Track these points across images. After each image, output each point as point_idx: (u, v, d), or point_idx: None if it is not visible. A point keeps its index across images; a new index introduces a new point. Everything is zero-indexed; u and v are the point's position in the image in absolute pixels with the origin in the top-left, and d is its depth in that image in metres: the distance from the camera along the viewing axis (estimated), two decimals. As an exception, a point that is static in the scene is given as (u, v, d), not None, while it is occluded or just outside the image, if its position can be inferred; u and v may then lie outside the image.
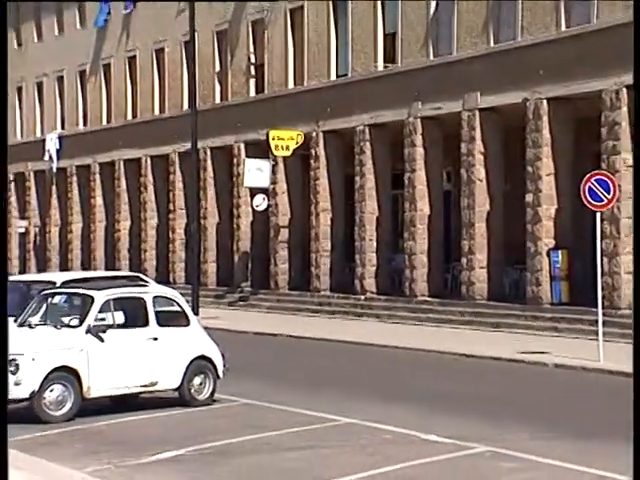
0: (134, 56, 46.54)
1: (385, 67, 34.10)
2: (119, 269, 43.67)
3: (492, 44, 30.42)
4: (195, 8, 36.00)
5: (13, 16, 54.60)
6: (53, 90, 52.68)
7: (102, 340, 15.38)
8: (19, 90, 55.24)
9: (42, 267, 51.48)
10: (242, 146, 39.03)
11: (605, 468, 11.40)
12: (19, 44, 54.98)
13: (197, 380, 16.33)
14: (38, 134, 53.14)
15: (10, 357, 14.77)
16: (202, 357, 16.43)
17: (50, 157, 50.37)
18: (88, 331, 15.33)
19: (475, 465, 11.84)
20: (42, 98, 53.67)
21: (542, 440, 13.17)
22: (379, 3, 34.26)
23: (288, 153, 36.47)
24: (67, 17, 51.05)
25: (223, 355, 16.72)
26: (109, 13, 47.27)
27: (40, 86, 53.61)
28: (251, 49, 39.97)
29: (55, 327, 15.67)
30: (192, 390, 16.26)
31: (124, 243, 46.82)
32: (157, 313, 16.19)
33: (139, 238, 45.81)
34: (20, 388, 14.74)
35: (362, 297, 34.15)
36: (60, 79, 51.90)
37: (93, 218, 49.01)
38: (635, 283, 20.65)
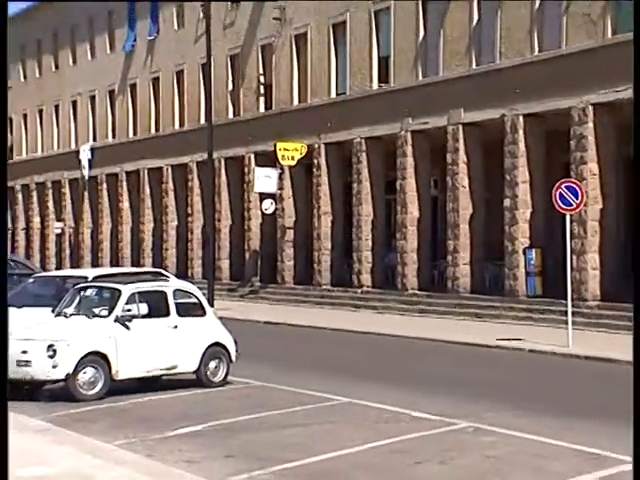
0: (157, 77, 46.57)
1: (379, 86, 34.13)
2: (143, 265, 43.69)
3: (474, 66, 30.48)
4: (211, 34, 36.03)
5: (52, 43, 54.74)
6: (86, 107, 52.71)
7: (128, 328, 15.41)
8: (56, 108, 55.34)
9: (75, 264, 51.46)
10: (252, 156, 39.00)
11: (576, 441, 11.45)
12: (57, 67, 54.98)
13: (212, 364, 16.34)
14: (73, 146, 53.12)
15: (48, 343, 14.92)
16: (217, 344, 16.44)
17: (83, 166, 50.40)
18: (116, 320, 15.37)
19: (459, 439, 11.86)
20: (76, 115, 53.72)
21: (519, 417, 13.21)
22: (374, 30, 34.31)
23: (293, 163, 36.48)
24: (98, 43, 51.10)
25: (235, 342, 16.74)
26: (135, 39, 47.38)
27: (75, 104, 53.66)
28: (261, 71, 40.01)
29: (87, 317, 15.68)
30: (208, 373, 16.28)
31: (148, 243, 46.85)
32: (177, 304, 16.20)
33: (161, 238, 45.76)
34: (57, 370, 14.80)
35: (359, 291, 34.16)
36: (92, 98, 51.94)
37: (120, 220, 49.02)
38: (635, 282, 20.31)
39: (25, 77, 58.56)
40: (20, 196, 58.37)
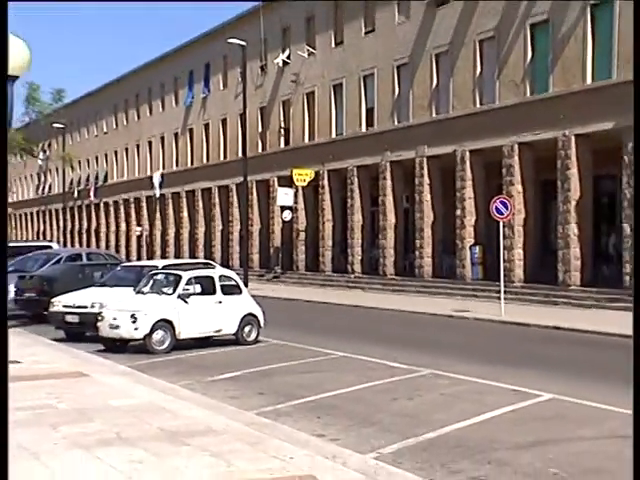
0: (208, 123, 46.55)
1: (366, 129, 34.12)
2: (197, 257, 43.73)
3: (434, 115, 30.47)
4: (246, 93, 36.06)
5: (135, 101, 54.88)
6: (158, 145, 52.78)
7: (187, 302, 15.40)
8: (137, 146, 55.40)
9: (150, 256, 51.59)
10: (275, 179, 38.98)
11: (506, 382, 11.45)
12: (138, 117, 55.08)
13: (247, 328, 16.31)
14: (148, 173, 53.18)
15: (131, 312, 14.94)
16: (250, 314, 16.41)
17: (155, 187, 50.56)
18: (178, 297, 15.36)
19: (422, 382, 11.86)
20: (151, 151, 53.79)
21: (466, 365, 13.19)
22: (362, 89, 34.28)
23: (305, 184, 36.49)
24: (167, 100, 51.11)
25: (263, 312, 16.74)
26: (193, 97, 47.43)
27: (150, 143, 53.74)
28: (281, 118, 40.00)
29: (158, 294, 15.69)
30: (244, 335, 16.25)
31: (200, 241, 46.83)
32: (221, 286, 16.17)
33: (210, 238, 45.78)
34: (138, 332, 14.84)
35: (352, 276, 34.16)
36: (162, 138, 52.00)
37: (181, 226, 49.08)
38: (635, 280, 19.54)
39: (116, 125, 58.70)
40: (112, 209, 58.54)
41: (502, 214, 22.07)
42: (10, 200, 69.68)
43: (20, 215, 75.98)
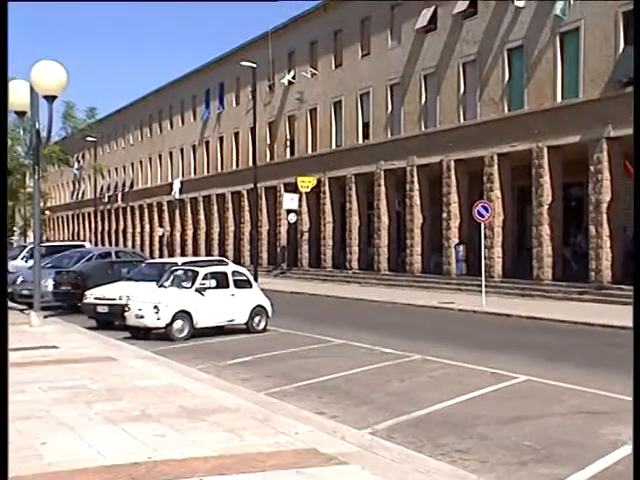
0: (222, 136, 46.46)
1: (363, 142, 34.06)
2: (212, 255, 43.60)
3: (423, 129, 30.41)
4: (256, 109, 35.97)
5: (158, 116, 54.81)
6: (178, 156, 52.62)
7: (203, 295, 15.34)
8: (160, 156, 55.19)
9: (170, 254, 51.46)
10: (282, 186, 38.86)
11: (487, 366, 11.42)
12: (160, 131, 55.01)
13: (257, 318, 16.22)
14: (169, 180, 53.09)
15: (154, 304, 14.89)
16: (259, 305, 16.33)
17: (175, 193, 50.50)
18: (196, 290, 15.30)
19: (413, 366, 11.82)
20: (172, 160, 53.63)
21: (451, 351, 13.18)
22: (359, 106, 34.21)
23: (308, 190, 36.40)
24: (186, 116, 50.95)
25: (271, 304, 16.69)
26: (209, 113, 47.34)
27: (171, 154, 53.55)
28: (287, 131, 39.94)
29: (178, 288, 15.65)
30: (254, 324, 16.17)
31: (215, 241, 46.69)
32: (234, 280, 16.09)
33: (224, 238, 45.67)
34: (160, 321, 14.79)
35: (350, 272, 34.08)
36: (182, 150, 51.87)
37: (198, 227, 48.93)
38: (635, 279, 20.00)
39: (141, 138, 58.63)
40: (137, 212, 58.49)
41: (483, 217, 22.06)
42: (48, 205, 69.59)
43: (57, 218, 75.97)
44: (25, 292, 21.12)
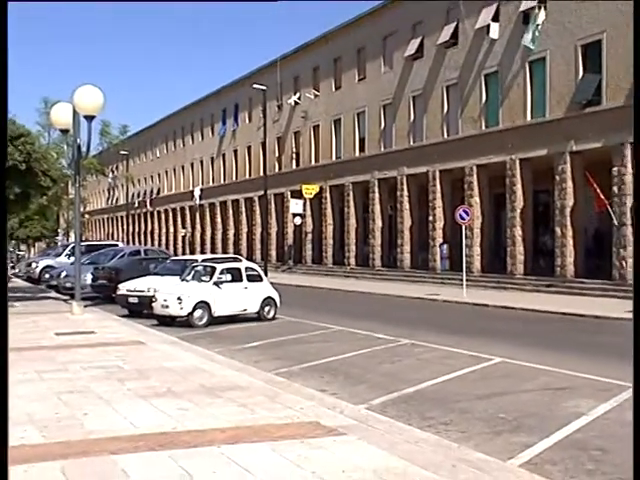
0: (236, 149, 46.42)
1: (359, 154, 34.05)
2: (228, 253, 43.67)
3: (411, 143, 30.39)
4: (266, 126, 35.94)
5: (181, 132, 54.72)
6: (198, 166, 52.52)
7: (220, 288, 15.33)
8: (182, 167, 55.13)
9: (191, 252, 51.44)
10: (289, 193, 38.84)
11: (467, 349, 11.40)
12: (183, 144, 54.92)
13: (267, 308, 16.20)
14: (190, 188, 53.05)
15: (178, 295, 14.87)
16: (269, 297, 16.31)
17: (195, 199, 50.46)
18: (214, 284, 15.29)
19: (402, 349, 11.78)
20: (193, 170, 53.58)
21: (437, 336, 13.13)
22: (356, 123, 34.17)
23: (312, 196, 36.36)
24: (205, 132, 50.94)
25: (280, 295, 16.67)
26: (225, 129, 47.29)
27: (192, 165, 53.48)
28: (293, 145, 39.90)
29: (198, 281, 15.62)
30: (264, 313, 16.14)
31: (231, 240, 46.70)
32: (247, 275, 16.07)
33: (238, 238, 45.61)
34: (183, 311, 14.76)
35: (348, 267, 34.09)
36: (201, 161, 51.81)
37: (215, 228, 48.83)
38: (635, 278, 18.84)
39: (167, 151, 58.60)
40: (163, 215, 58.46)
41: (464, 219, 22.08)
42: (87, 209, 69.60)
43: (94, 221, 76.00)
44: (68, 285, 21.20)
